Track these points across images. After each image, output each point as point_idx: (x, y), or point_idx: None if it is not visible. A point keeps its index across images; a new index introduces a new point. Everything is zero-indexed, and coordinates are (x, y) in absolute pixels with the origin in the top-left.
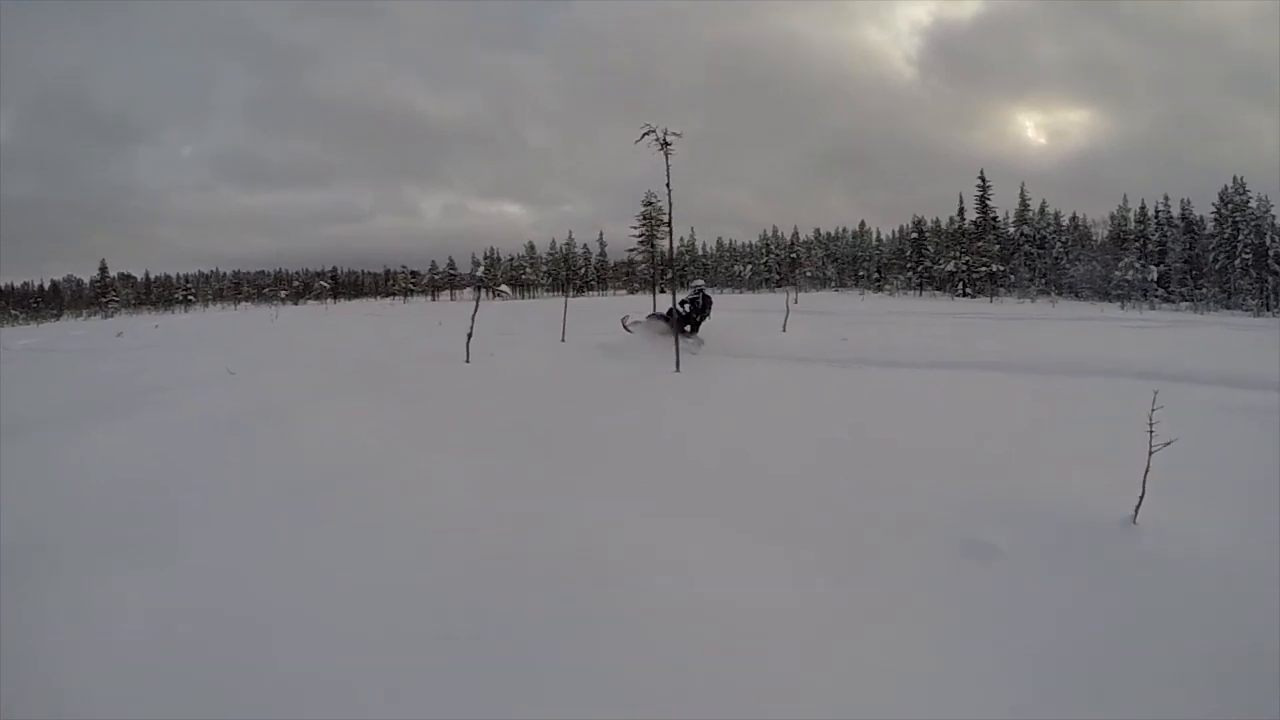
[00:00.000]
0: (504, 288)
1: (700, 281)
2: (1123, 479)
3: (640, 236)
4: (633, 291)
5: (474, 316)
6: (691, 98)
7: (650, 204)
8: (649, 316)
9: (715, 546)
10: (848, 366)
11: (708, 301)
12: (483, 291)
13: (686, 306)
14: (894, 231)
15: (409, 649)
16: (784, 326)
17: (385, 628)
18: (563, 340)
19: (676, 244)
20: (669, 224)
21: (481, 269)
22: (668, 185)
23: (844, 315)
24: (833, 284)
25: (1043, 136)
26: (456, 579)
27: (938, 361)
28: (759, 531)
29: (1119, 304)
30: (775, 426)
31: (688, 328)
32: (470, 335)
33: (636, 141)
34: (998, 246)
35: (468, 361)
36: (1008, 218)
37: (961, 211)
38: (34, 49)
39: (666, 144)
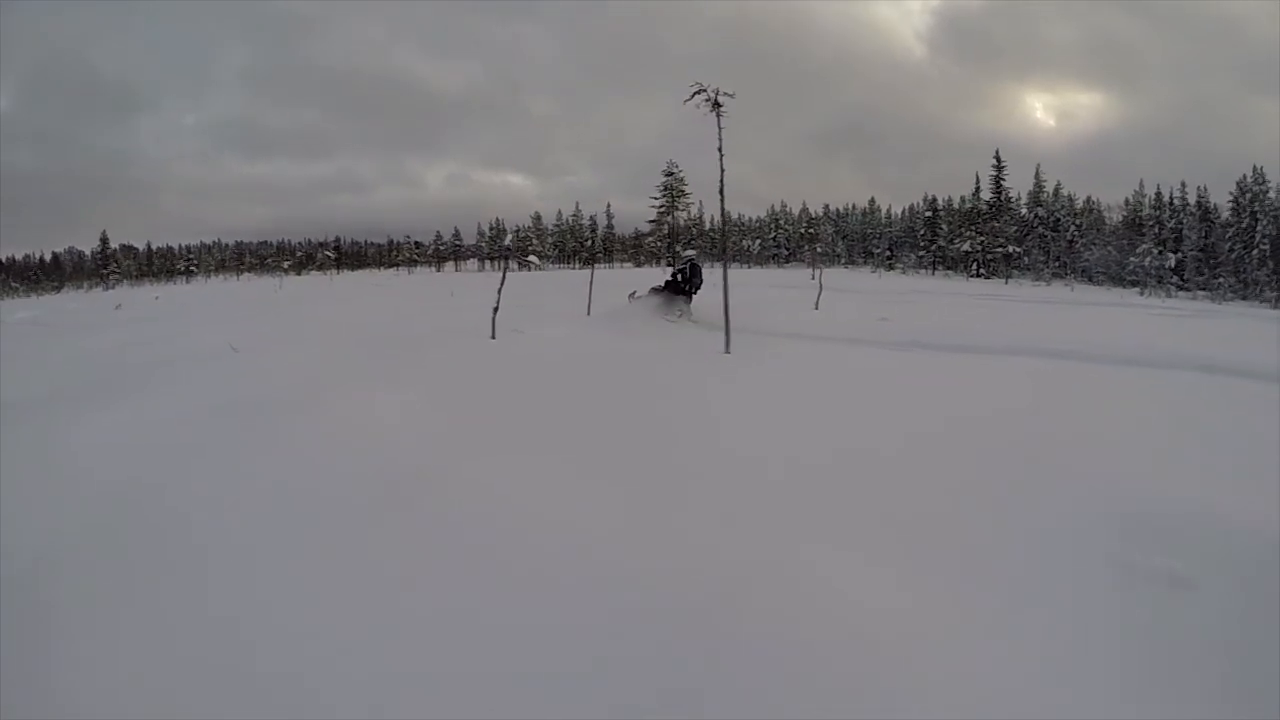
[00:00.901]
0: (533, 258)
1: (691, 251)
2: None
3: (661, 207)
4: (639, 265)
5: (500, 290)
6: (697, 70)
7: (671, 174)
8: (650, 290)
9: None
10: (905, 350)
11: (696, 270)
12: (508, 262)
13: (679, 277)
14: (904, 209)
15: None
16: (816, 304)
17: (424, 668)
18: (588, 314)
19: (687, 217)
20: (720, 192)
21: (510, 238)
22: (720, 149)
23: (868, 293)
24: (842, 260)
25: (1051, 118)
26: (519, 610)
27: (1001, 348)
28: (882, 541)
29: (1136, 290)
30: (862, 418)
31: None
32: (496, 309)
33: (686, 101)
34: (1014, 228)
35: (493, 338)
36: (1020, 199)
37: (977, 191)
38: (35, 20)
39: (718, 105)
